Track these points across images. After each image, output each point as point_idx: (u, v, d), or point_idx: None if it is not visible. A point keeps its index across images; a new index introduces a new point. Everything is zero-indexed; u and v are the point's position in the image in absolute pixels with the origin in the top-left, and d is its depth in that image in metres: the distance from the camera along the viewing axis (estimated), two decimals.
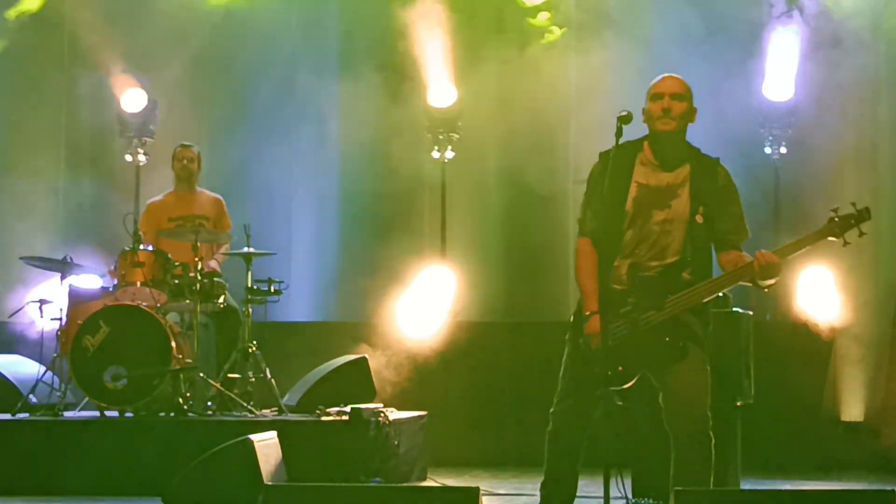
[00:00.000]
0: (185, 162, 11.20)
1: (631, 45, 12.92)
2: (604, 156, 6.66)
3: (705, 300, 6.54)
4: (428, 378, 12.21)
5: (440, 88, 13.43)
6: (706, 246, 6.61)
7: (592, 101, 12.15)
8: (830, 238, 6.40)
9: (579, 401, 6.62)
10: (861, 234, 6.38)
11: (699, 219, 6.51)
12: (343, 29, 14.27)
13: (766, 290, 6.54)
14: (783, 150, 13.06)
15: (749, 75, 13.02)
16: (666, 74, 6.69)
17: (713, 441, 6.47)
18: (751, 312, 9.12)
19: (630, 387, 6.43)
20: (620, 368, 6.43)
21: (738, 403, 8.79)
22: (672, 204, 6.52)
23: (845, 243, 6.42)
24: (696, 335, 6.51)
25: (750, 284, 6.53)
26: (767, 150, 13.10)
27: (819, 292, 12.34)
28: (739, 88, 12.83)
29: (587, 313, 6.56)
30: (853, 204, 6.43)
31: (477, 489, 5.87)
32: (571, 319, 6.68)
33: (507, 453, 11.62)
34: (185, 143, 11.42)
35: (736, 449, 8.87)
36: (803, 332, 12.14)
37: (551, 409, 6.72)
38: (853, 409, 12.16)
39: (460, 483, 10.19)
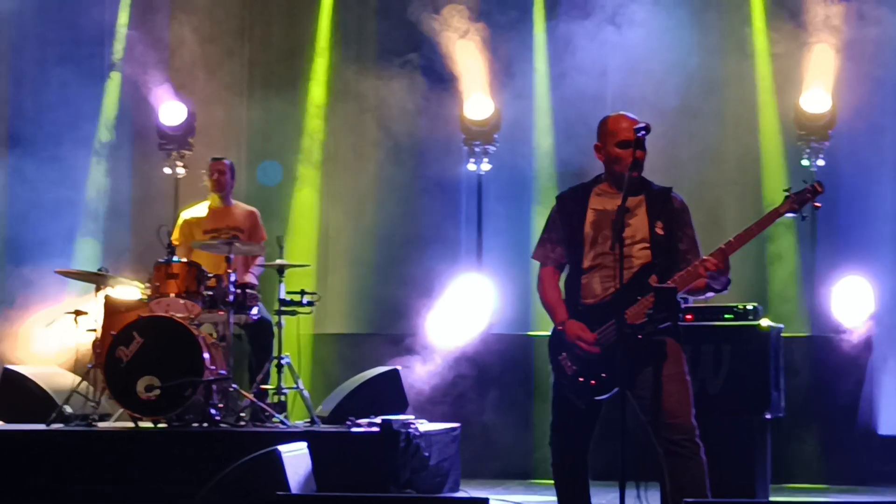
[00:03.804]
0: (216, 175, 11.26)
1: (670, 57, 12.96)
2: (559, 198, 7.02)
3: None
4: (462, 390, 12.21)
5: (477, 100, 13.43)
6: (668, 255, 6.74)
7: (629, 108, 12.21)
8: (789, 214, 6.65)
9: (571, 432, 6.84)
10: (816, 207, 6.67)
11: (659, 231, 6.71)
12: (380, 32, 14.32)
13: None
14: (821, 162, 12.97)
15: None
16: (626, 117, 6.84)
17: (702, 448, 6.56)
18: (781, 325, 9.09)
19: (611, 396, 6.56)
20: (604, 375, 6.58)
21: (768, 417, 8.76)
22: (631, 222, 6.69)
23: (803, 217, 6.71)
24: (669, 330, 6.63)
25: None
26: (805, 163, 13.01)
27: (853, 304, 12.26)
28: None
29: (559, 324, 6.76)
30: (804, 181, 6.82)
31: (486, 500, 5.86)
32: (549, 348, 6.77)
33: (542, 465, 11.58)
34: (217, 156, 11.48)
35: (765, 462, 8.84)
36: (838, 345, 12.06)
37: (548, 440, 6.84)
38: (890, 423, 12.07)
39: (493, 495, 10.16)
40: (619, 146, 6.71)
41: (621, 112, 6.87)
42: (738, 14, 13.44)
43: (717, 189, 12.99)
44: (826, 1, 12.67)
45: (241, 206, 11.40)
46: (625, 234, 6.52)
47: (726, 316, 8.89)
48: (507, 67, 13.52)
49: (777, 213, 6.64)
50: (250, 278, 10.95)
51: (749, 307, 8.91)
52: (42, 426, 10.21)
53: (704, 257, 6.55)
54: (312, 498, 6.25)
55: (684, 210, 6.84)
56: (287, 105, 14.17)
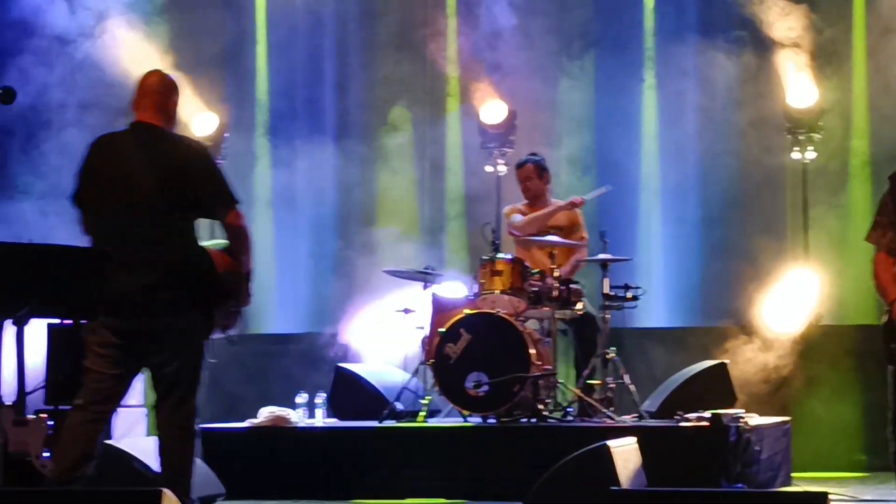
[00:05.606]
0: (522, 183, 11.27)
1: None
2: (891, 178, 6.82)
3: None
4: (792, 382, 11.94)
5: (800, 86, 13.12)
6: None
7: None
8: None
9: None
10: None
11: None
12: (700, 14, 14.14)
13: None
14: None
15: None
16: None
17: None
18: None
19: None
20: None
21: None
22: None
23: None
24: None
25: None
26: None
27: None
28: None
29: (889, 304, 6.60)
30: None
31: (824, 494, 5.71)
32: (882, 335, 6.57)
33: (878, 458, 11.24)
34: (520, 161, 11.49)
35: None
36: None
37: (888, 428, 6.64)
38: None
39: (826, 489, 9.90)
40: None
41: None
42: None
43: None
44: None
45: (559, 203, 11.34)
46: None
47: None
48: (830, 51, 13.19)
49: None
50: (563, 272, 10.94)
51: None
52: (375, 423, 10.46)
53: None
54: (647, 493, 6.19)
55: None
56: (619, 86, 14.15)
